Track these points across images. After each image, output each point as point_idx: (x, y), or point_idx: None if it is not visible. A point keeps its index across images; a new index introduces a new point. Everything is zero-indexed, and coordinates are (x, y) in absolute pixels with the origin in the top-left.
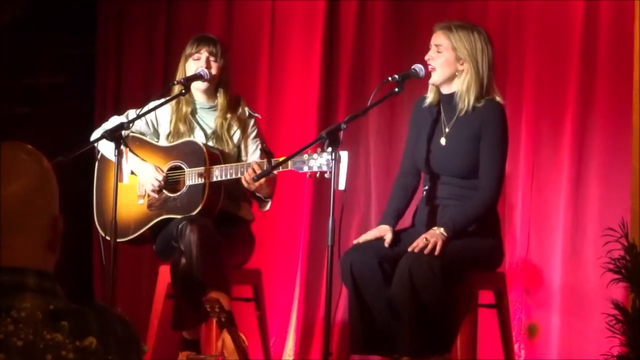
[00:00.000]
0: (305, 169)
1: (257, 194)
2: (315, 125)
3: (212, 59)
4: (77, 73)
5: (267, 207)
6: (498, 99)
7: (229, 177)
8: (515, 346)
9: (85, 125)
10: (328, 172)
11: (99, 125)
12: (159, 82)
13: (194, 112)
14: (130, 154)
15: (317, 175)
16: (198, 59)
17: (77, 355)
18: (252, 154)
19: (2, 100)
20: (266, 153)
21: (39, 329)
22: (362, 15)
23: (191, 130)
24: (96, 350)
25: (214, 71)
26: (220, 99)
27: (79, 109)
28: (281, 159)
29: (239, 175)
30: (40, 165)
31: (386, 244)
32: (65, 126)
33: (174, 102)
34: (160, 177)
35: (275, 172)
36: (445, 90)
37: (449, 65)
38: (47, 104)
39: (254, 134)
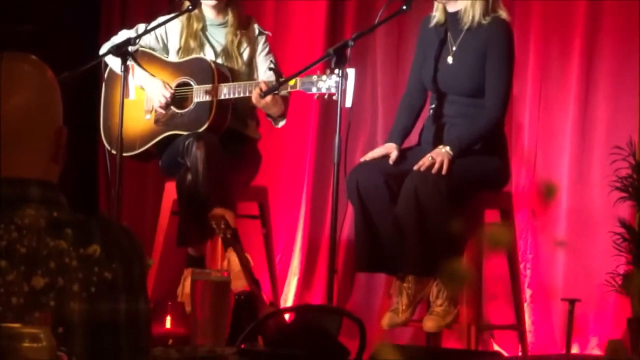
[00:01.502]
0: (314, 90)
1: (267, 113)
2: (322, 43)
3: None
4: None
5: (280, 124)
6: (504, 15)
7: (236, 95)
8: (521, 266)
9: (91, 40)
10: (336, 95)
11: (104, 40)
12: None
13: (204, 29)
14: (138, 69)
15: (326, 97)
16: None
17: (81, 263)
18: (265, 72)
19: (7, 16)
20: (274, 71)
21: (43, 236)
22: None
23: (201, 47)
24: (100, 259)
25: None
26: (231, 16)
27: (85, 24)
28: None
29: (247, 94)
30: (43, 76)
31: (391, 162)
32: (71, 41)
33: (184, 17)
34: (168, 94)
35: (287, 91)
36: (452, 7)
37: None
38: (52, 19)
39: (265, 51)
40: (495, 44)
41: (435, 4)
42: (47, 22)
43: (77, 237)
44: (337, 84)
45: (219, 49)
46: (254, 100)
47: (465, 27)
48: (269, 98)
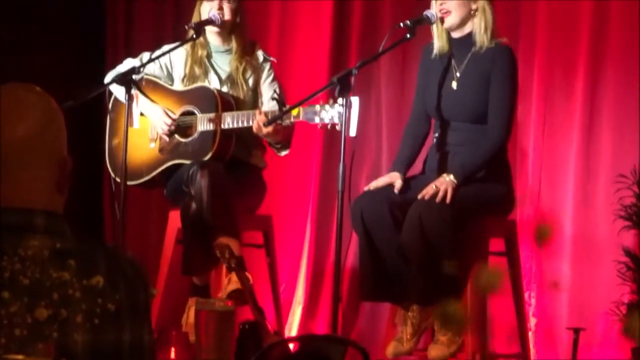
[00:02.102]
0: (317, 120)
1: (269, 141)
2: (326, 71)
3: (225, 1)
4: (87, 16)
5: (283, 153)
6: (506, 41)
7: (240, 124)
8: (526, 294)
9: (96, 69)
10: (339, 125)
11: (110, 69)
12: (169, 24)
13: (209, 56)
14: (141, 97)
15: (329, 127)
16: (211, 0)
17: (84, 294)
18: (269, 99)
19: (13, 48)
20: (277, 100)
21: (46, 267)
22: None
23: (206, 74)
24: (103, 289)
25: (226, 13)
26: (235, 42)
27: (90, 52)
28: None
29: (251, 123)
30: (48, 106)
31: (395, 191)
32: (76, 71)
33: (188, 45)
34: (169, 121)
35: (288, 121)
36: (457, 33)
37: (464, 6)
38: (58, 49)
39: (270, 78)
40: (499, 68)
41: (435, 32)
42: (52, 50)
43: (81, 268)
44: (340, 114)
45: (223, 76)
46: (254, 129)
47: (471, 53)
48: (270, 127)
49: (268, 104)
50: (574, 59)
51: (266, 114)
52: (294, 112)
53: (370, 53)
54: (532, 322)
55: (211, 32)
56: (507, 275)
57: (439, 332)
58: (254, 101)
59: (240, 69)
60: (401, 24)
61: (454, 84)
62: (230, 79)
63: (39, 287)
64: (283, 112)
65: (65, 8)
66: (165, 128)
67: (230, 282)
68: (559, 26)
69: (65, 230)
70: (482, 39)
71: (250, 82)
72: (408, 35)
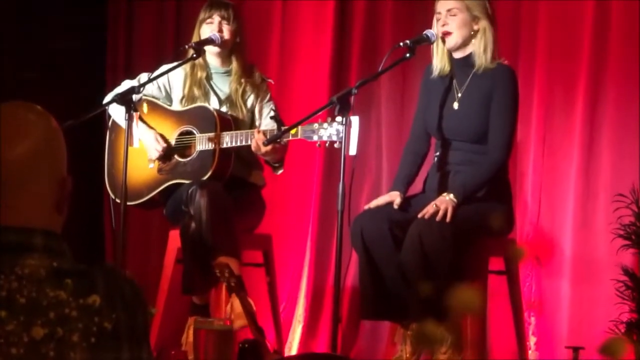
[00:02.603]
0: (315, 138)
1: (267, 159)
2: (327, 90)
3: (224, 22)
4: (88, 37)
5: (279, 171)
6: (506, 62)
7: (239, 143)
8: (525, 314)
9: (96, 89)
10: (338, 143)
11: (109, 90)
12: (169, 46)
13: (208, 77)
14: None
15: (327, 145)
16: (211, 23)
17: (81, 313)
18: (266, 117)
19: (14, 65)
20: (276, 119)
21: (43, 286)
22: None
23: (205, 95)
24: (100, 308)
25: (226, 35)
26: (235, 64)
27: (90, 73)
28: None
29: (249, 142)
30: (48, 125)
31: (395, 206)
32: (76, 91)
33: (188, 66)
34: (160, 148)
35: (285, 140)
36: (459, 54)
37: (465, 26)
38: (58, 69)
39: (266, 98)
40: (500, 88)
41: (435, 52)
42: (52, 70)
43: (77, 287)
44: (338, 132)
45: (223, 97)
46: (253, 148)
47: (472, 73)
48: (269, 146)
49: (265, 121)
50: (573, 78)
51: (265, 133)
52: (293, 131)
53: (370, 72)
54: (531, 340)
55: (211, 53)
56: (504, 294)
57: (438, 351)
58: (252, 121)
59: (240, 91)
60: (401, 44)
61: (456, 105)
62: (229, 100)
63: (35, 305)
64: (282, 131)
65: (66, 30)
66: (156, 154)
67: (232, 309)
68: (559, 45)
69: (64, 249)
70: (481, 60)
71: (249, 103)
72: (408, 55)
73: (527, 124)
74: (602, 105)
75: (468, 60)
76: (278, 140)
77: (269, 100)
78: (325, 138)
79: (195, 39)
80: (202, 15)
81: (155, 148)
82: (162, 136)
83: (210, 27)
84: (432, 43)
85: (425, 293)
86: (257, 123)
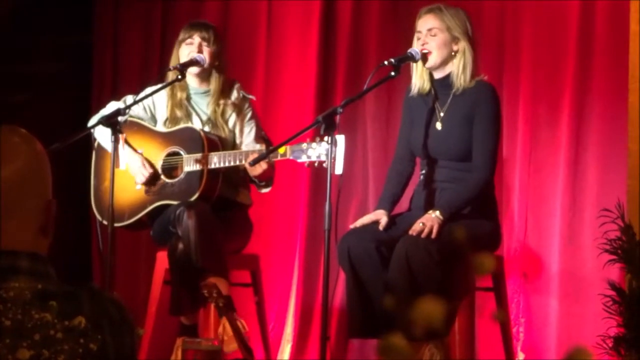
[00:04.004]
0: (304, 158)
1: (256, 180)
2: (312, 110)
3: (204, 44)
4: (74, 60)
5: (264, 190)
6: (486, 78)
7: (227, 164)
8: (514, 329)
9: (83, 112)
10: (326, 162)
11: (96, 112)
12: (155, 69)
13: (189, 98)
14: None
15: (316, 164)
16: (190, 44)
17: (66, 335)
18: (247, 135)
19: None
20: (263, 139)
21: (28, 308)
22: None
23: (188, 116)
24: (85, 330)
25: (206, 56)
26: (213, 84)
27: (76, 95)
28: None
29: (237, 162)
30: (33, 149)
31: (381, 227)
32: (62, 113)
33: (169, 88)
34: (147, 173)
35: (272, 159)
36: (439, 74)
37: (445, 46)
38: (44, 91)
39: (248, 115)
40: (482, 106)
41: (415, 71)
42: (37, 92)
43: (62, 308)
44: (327, 151)
45: (204, 118)
46: (248, 168)
47: (452, 93)
48: (265, 165)
49: (247, 138)
50: (558, 93)
51: (252, 153)
52: (281, 150)
53: (356, 90)
54: (520, 356)
55: (190, 73)
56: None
57: None
58: (234, 140)
59: (219, 111)
60: (386, 62)
61: (439, 125)
62: (211, 121)
63: (20, 328)
64: (269, 150)
65: (52, 52)
66: (143, 179)
67: (224, 331)
68: (544, 61)
69: (49, 272)
70: (459, 80)
71: (230, 122)
72: (393, 73)
73: (512, 140)
74: (588, 121)
75: (447, 80)
76: (268, 159)
77: (250, 119)
78: (314, 158)
79: (174, 59)
80: (182, 36)
81: (142, 173)
82: (148, 161)
83: (190, 47)
84: (417, 61)
85: (412, 310)
86: (237, 141)
